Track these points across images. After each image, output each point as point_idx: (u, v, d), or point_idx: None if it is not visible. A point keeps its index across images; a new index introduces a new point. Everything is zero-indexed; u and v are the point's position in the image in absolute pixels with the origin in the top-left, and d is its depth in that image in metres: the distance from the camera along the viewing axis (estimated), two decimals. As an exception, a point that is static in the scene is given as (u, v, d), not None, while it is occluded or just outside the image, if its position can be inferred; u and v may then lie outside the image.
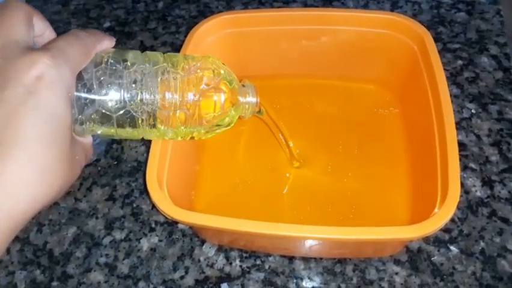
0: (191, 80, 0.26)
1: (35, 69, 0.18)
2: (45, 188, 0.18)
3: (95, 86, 0.22)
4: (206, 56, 0.28)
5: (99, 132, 0.24)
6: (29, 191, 0.17)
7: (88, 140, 0.24)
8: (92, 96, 0.22)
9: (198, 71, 0.27)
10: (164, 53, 0.27)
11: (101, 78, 0.22)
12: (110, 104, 0.23)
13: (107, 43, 0.24)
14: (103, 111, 0.23)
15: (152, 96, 0.24)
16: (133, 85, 0.24)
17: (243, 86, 0.30)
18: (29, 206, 0.18)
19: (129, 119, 0.24)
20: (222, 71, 0.28)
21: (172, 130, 0.27)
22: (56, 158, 0.18)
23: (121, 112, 0.24)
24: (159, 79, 0.25)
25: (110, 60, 0.23)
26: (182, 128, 0.27)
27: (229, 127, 0.29)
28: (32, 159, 0.17)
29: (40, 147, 0.17)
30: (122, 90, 0.23)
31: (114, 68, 0.23)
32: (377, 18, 0.37)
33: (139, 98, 0.24)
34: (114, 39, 0.24)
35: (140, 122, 0.25)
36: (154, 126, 0.26)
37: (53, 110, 0.18)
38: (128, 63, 0.24)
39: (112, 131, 0.25)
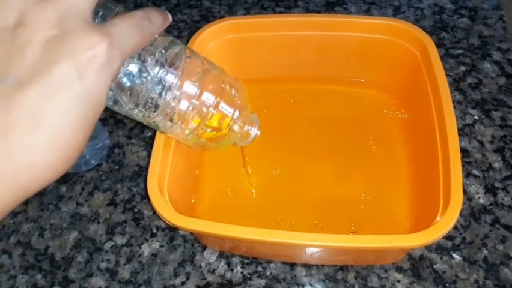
0: (222, 91, 0.26)
1: (92, 52, 0.17)
2: (60, 167, 0.17)
3: (134, 72, 0.22)
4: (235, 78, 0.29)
5: (116, 108, 0.24)
6: (44, 172, 0.17)
7: None
8: (129, 84, 0.22)
9: (226, 86, 0.27)
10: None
11: (142, 65, 0.22)
12: (143, 93, 0.23)
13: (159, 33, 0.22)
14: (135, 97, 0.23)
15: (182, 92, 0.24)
16: (169, 81, 0.23)
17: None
18: (40, 175, 0.17)
19: (153, 108, 0.24)
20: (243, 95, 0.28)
21: (177, 127, 0.26)
22: (79, 142, 0.17)
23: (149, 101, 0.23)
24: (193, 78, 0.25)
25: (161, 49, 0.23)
26: (188, 131, 0.27)
27: (214, 144, 0.30)
28: (54, 144, 0.16)
29: (66, 133, 0.17)
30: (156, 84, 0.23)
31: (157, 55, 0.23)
32: (379, 24, 0.37)
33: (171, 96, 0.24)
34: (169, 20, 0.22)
35: (162, 113, 0.25)
36: (170, 120, 0.25)
37: (93, 99, 0.17)
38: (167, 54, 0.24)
39: (129, 112, 0.24)
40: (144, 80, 0.23)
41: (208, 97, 0.26)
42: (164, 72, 0.23)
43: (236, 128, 0.28)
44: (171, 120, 0.25)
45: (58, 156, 0.17)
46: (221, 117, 0.27)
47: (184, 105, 0.25)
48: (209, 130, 0.27)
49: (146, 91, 0.23)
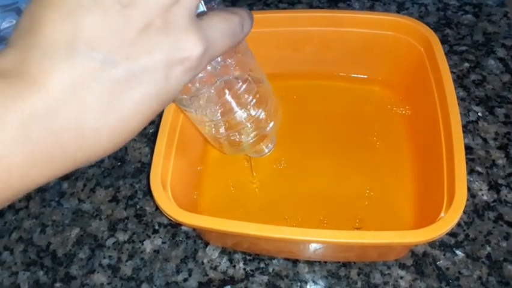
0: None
1: (187, 55, 0.16)
2: (109, 152, 0.17)
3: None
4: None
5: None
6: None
7: None
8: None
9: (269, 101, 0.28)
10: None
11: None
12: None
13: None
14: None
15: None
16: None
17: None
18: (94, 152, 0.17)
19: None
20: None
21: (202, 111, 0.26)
22: (136, 132, 0.17)
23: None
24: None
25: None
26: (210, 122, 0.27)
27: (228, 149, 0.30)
28: (117, 131, 0.16)
29: (133, 123, 0.16)
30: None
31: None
32: (384, 20, 0.37)
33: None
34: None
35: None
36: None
37: (168, 97, 0.17)
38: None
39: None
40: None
41: (254, 103, 0.26)
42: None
43: (252, 136, 0.28)
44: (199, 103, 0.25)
45: (115, 142, 0.16)
46: (254, 124, 0.27)
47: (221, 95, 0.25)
48: (234, 136, 0.27)
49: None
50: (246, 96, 0.26)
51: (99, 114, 0.15)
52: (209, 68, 0.24)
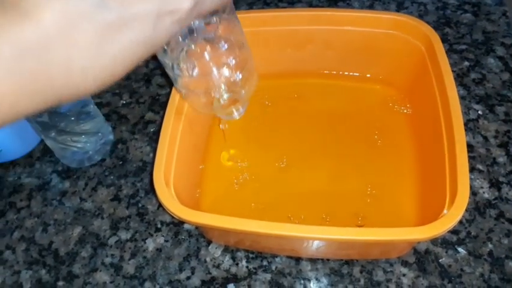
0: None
1: (177, 7, 0.17)
2: (93, 91, 0.18)
3: None
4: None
5: None
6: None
7: None
8: None
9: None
10: None
11: None
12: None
13: None
14: None
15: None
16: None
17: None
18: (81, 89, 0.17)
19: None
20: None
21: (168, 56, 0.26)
22: (121, 75, 0.18)
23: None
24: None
25: None
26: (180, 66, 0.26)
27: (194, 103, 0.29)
28: (104, 72, 0.17)
29: (119, 66, 0.17)
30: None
31: None
32: (385, 19, 0.37)
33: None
34: None
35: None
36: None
37: (155, 44, 0.18)
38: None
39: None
40: None
41: (228, 54, 0.25)
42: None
43: (224, 99, 0.28)
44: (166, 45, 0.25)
45: (99, 84, 0.17)
46: (224, 79, 0.27)
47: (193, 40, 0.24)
48: (207, 95, 0.27)
49: None
50: (225, 57, 0.26)
51: (88, 55, 0.16)
52: (196, 23, 0.24)
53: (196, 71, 0.26)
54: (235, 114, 0.31)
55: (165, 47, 0.25)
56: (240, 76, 0.27)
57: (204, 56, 0.25)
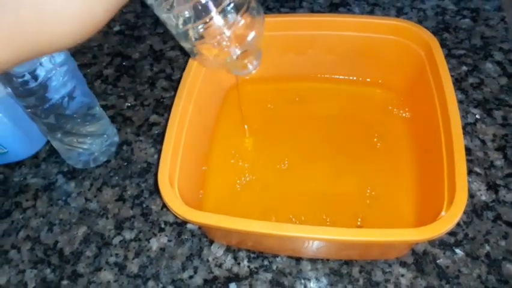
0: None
1: None
2: (78, 37, 0.17)
3: None
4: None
5: None
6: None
7: None
8: None
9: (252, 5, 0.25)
10: None
11: None
12: None
13: None
14: None
15: None
16: None
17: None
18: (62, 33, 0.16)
19: None
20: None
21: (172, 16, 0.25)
22: (102, 15, 0.17)
23: None
24: None
25: None
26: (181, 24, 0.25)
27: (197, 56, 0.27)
28: (80, 12, 0.16)
29: (94, 3, 0.16)
30: None
31: None
32: (385, 24, 0.38)
33: None
34: None
35: None
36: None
37: None
38: None
39: None
40: None
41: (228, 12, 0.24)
42: None
43: (237, 53, 0.26)
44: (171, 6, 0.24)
45: (80, 28, 0.16)
46: (230, 34, 0.25)
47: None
48: (212, 46, 0.25)
49: None
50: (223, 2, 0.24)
51: None
52: None
53: (192, 16, 0.24)
54: (250, 68, 0.29)
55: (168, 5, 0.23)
56: (243, 20, 0.25)
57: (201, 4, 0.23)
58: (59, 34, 0.16)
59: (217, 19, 0.24)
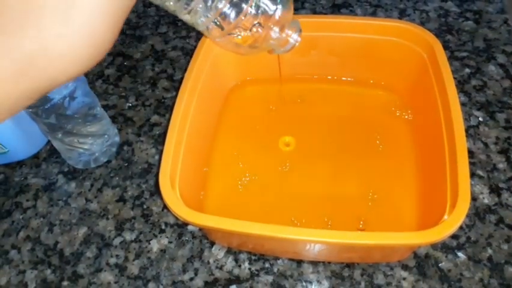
0: None
1: None
2: (88, 61, 0.17)
3: None
4: None
5: None
6: (73, 53, 0.16)
7: None
8: None
9: None
10: None
11: None
12: None
13: None
14: None
15: None
16: None
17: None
18: (69, 66, 0.16)
19: None
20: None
21: (209, 20, 0.24)
22: (109, 34, 0.17)
23: None
24: None
25: None
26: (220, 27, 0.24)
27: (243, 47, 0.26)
28: (85, 35, 0.16)
29: (97, 24, 0.16)
30: None
31: None
32: (387, 26, 0.38)
33: None
34: None
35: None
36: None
37: None
38: None
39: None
40: None
41: None
42: None
43: (275, 32, 0.25)
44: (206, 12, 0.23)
45: (88, 48, 0.16)
46: (259, 17, 0.24)
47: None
48: (242, 33, 0.24)
49: None
50: None
51: (58, 20, 0.15)
52: None
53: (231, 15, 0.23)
54: (291, 41, 0.27)
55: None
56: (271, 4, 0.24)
57: None
58: (70, 58, 0.16)
59: (248, 10, 0.23)
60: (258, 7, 0.24)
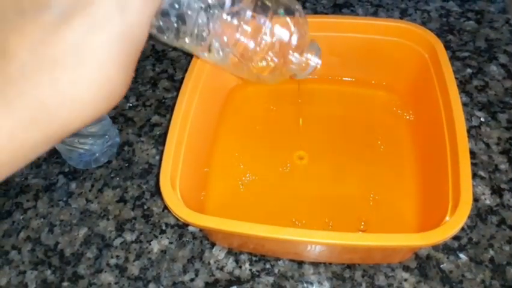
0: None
1: None
2: (103, 105, 0.17)
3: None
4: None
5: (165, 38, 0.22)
6: (80, 108, 0.16)
7: None
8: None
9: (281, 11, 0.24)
10: None
11: None
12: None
13: None
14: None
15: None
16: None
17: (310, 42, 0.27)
18: (76, 120, 0.17)
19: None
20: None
21: (226, 57, 0.24)
22: (122, 78, 0.17)
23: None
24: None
25: None
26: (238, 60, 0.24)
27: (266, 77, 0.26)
28: (97, 80, 0.16)
29: (109, 68, 0.16)
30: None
31: None
32: (389, 26, 0.38)
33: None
34: None
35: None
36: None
37: (135, 33, 0.17)
38: None
39: (175, 41, 0.23)
40: (191, 6, 0.21)
41: (261, 21, 0.23)
42: None
43: (294, 57, 0.25)
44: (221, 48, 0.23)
45: (102, 93, 0.16)
46: (275, 44, 0.24)
47: (232, 32, 0.22)
48: (263, 63, 0.24)
49: (193, 18, 0.21)
50: (259, 20, 0.22)
51: (71, 68, 0.15)
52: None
53: (248, 49, 0.23)
54: (312, 64, 0.27)
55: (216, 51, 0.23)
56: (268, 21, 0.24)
57: (242, 29, 0.22)
58: (82, 104, 0.16)
59: (266, 37, 0.23)
60: (272, 35, 0.24)
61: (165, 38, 0.22)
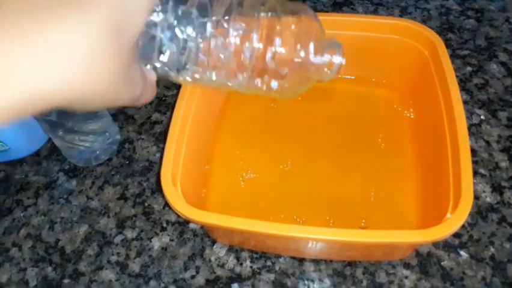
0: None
1: None
2: (86, 77, 0.16)
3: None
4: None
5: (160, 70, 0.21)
6: (69, 72, 0.15)
7: (152, 76, 0.21)
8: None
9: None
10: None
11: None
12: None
13: None
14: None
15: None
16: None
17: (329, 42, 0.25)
18: (60, 87, 0.15)
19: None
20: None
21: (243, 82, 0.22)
22: (109, 71, 0.16)
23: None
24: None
25: None
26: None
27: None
28: (85, 44, 0.15)
29: (93, 61, 0.15)
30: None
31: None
32: (389, 24, 0.38)
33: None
34: None
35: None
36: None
37: (121, 22, 0.16)
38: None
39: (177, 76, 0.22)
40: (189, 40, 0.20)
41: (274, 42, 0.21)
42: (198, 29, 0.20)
43: (317, 60, 0.23)
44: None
45: (101, 85, 0.16)
46: (293, 57, 0.22)
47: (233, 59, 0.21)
48: (276, 84, 0.23)
49: (193, 49, 0.20)
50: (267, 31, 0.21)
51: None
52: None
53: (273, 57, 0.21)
54: (337, 62, 0.25)
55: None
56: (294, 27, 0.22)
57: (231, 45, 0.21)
58: (86, 95, 0.16)
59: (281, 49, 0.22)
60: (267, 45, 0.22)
61: (172, 75, 0.22)
